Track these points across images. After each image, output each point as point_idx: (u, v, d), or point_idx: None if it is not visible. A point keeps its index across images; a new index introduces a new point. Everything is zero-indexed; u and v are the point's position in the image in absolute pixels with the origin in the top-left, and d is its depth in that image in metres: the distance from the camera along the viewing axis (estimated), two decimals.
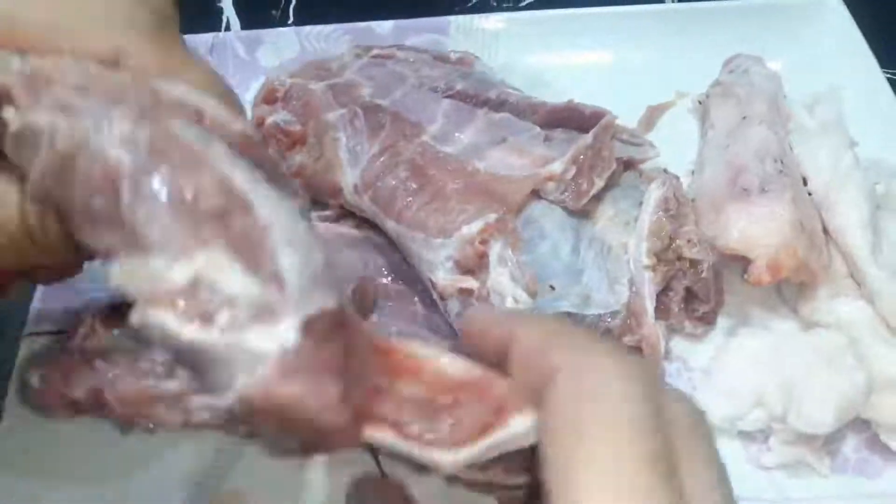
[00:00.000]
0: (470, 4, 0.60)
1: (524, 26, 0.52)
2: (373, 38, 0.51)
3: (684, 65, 0.51)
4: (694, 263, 0.38)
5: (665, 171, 0.42)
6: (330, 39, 0.52)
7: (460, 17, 0.52)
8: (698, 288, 0.38)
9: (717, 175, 0.40)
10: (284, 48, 0.53)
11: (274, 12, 0.62)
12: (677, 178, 0.41)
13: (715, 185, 0.40)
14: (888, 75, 0.49)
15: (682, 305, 0.39)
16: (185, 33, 0.56)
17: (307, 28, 0.53)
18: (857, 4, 0.51)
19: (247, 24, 0.61)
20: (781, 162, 0.39)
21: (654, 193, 0.39)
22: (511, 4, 0.59)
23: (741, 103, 0.43)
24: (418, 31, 0.52)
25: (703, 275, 0.37)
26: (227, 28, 0.61)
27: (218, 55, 0.53)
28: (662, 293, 0.38)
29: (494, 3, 0.60)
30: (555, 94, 0.49)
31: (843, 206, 0.38)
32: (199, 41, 0.53)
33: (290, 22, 0.61)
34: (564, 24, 0.52)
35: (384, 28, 0.52)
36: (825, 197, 0.40)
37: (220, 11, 0.62)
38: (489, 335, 0.23)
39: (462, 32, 0.52)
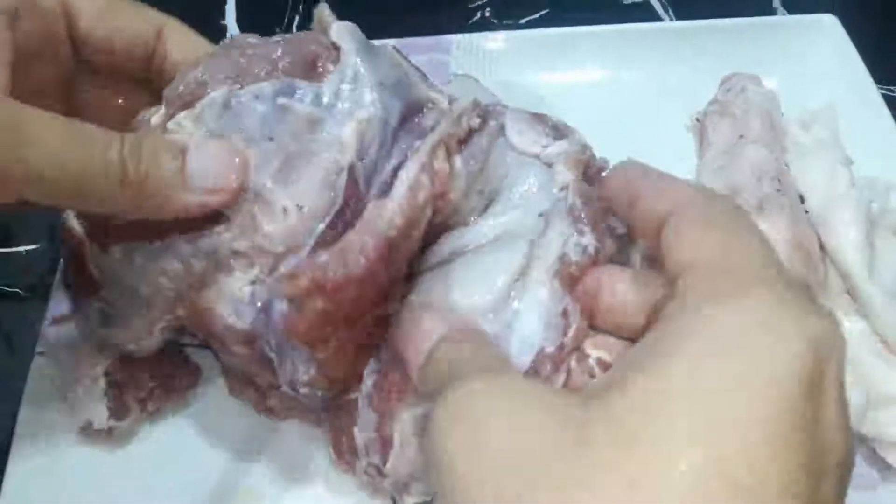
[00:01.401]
0: (472, 21, 0.61)
1: (524, 45, 0.53)
2: None
3: (683, 82, 0.51)
4: None
5: None
6: None
7: (462, 36, 0.53)
8: None
9: None
10: None
11: (277, 29, 0.63)
12: None
13: None
14: (884, 92, 0.50)
15: None
16: None
17: None
18: (853, 22, 0.52)
19: None
20: (779, 181, 0.40)
21: None
22: (512, 22, 0.60)
23: (738, 122, 0.44)
24: (420, 50, 0.53)
25: None
26: None
27: None
28: None
29: (495, 21, 0.61)
30: (553, 112, 0.50)
31: (840, 225, 0.39)
32: None
33: None
34: (564, 43, 0.53)
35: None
36: (821, 215, 0.40)
37: (225, 29, 0.63)
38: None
39: (464, 51, 0.52)
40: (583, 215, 0.32)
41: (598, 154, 0.43)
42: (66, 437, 0.38)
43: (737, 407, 0.19)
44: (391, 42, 0.52)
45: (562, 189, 0.33)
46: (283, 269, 0.29)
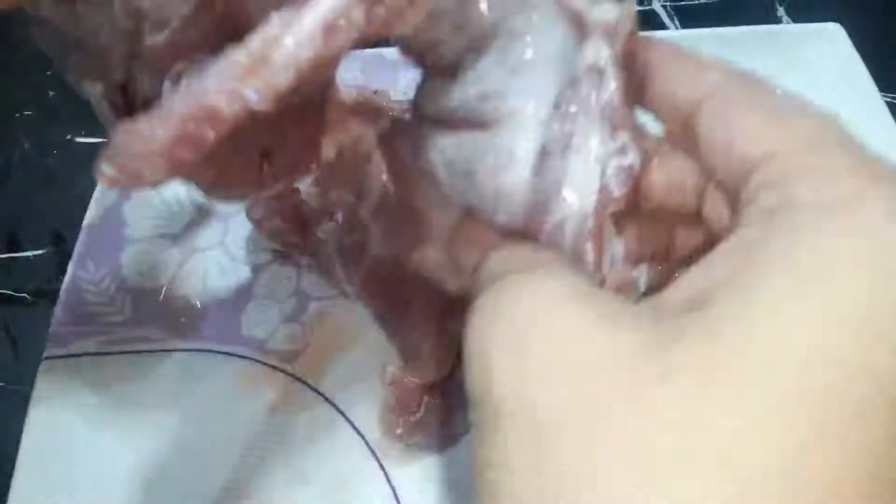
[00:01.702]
0: None
1: None
2: (382, 65, 0.53)
3: None
4: None
5: None
6: (340, 66, 0.53)
7: None
8: None
9: None
10: None
11: None
12: None
13: None
14: (888, 99, 0.50)
15: None
16: None
17: None
18: (858, 30, 0.52)
19: None
20: None
21: None
22: None
23: None
24: None
25: None
26: None
27: None
28: None
29: None
30: None
31: None
32: None
33: None
34: None
35: (393, 55, 0.53)
36: None
37: None
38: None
39: None
40: (619, 118, 0.23)
41: None
42: (74, 443, 0.39)
43: (877, 319, 0.15)
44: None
45: (591, 69, 0.23)
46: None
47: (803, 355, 0.15)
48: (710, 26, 0.54)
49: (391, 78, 0.53)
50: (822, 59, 0.51)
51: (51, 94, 0.62)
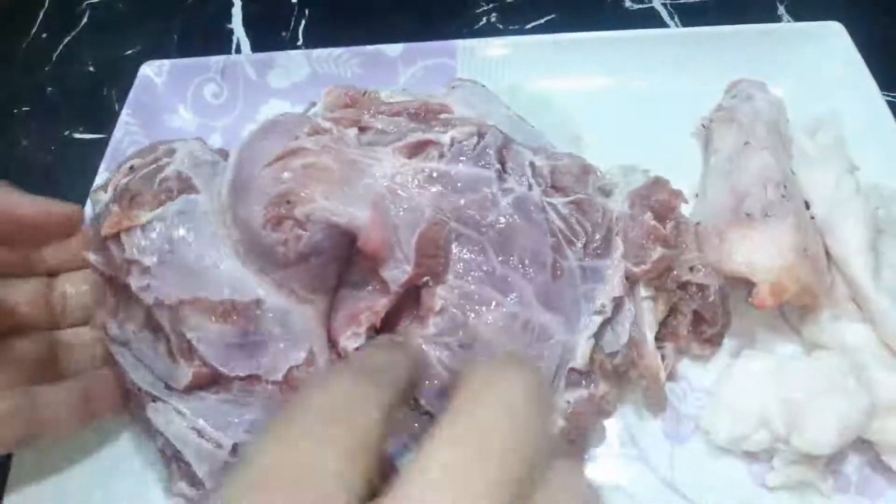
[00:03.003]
0: (477, 27, 0.61)
1: (530, 50, 0.53)
2: (382, 61, 0.53)
3: (688, 88, 0.51)
4: (701, 287, 0.38)
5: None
6: (339, 62, 0.53)
7: (468, 41, 0.53)
8: (706, 311, 0.39)
9: (720, 200, 0.41)
10: (295, 71, 0.54)
11: (284, 33, 0.63)
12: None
13: (718, 211, 0.40)
14: (889, 98, 0.50)
15: (691, 328, 0.39)
16: (196, 55, 0.57)
17: (317, 51, 0.54)
18: (858, 29, 0.52)
19: (256, 45, 0.62)
20: (784, 187, 0.40)
21: None
22: (518, 27, 0.60)
23: (744, 128, 0.44)
24: (427, 55, 0.53)
25: (711, 299, 0.38)
26: (238, 49, 0.62)
27: (229, 78, 0.54)
28: (671, 316, 0.39)
29: (501, 27, 0.61)
30: (559, 119, 0.50)
31: (845, 232, 0.39)
32: (211, 63, 0.54)
33: (299, 43, 0.62)
34: (569, 49, 0.53)
35: (393, 51, 0.53)
36: (827, 221, 0.40)
37: (231, 32, 0.63)
38: None
39: (469, 56, 0.53)
40: None
41: (603, 160, 0.43)
42: (69, 448, 0.39)
43: None
44: (398, 47, 0.53)
45: None
46: None
47: None
48: (710, 24, 0.54)
49: (391, 75, 0.53)
50: (823, 58, 0.51)
51: (49, 90, 0.62)
